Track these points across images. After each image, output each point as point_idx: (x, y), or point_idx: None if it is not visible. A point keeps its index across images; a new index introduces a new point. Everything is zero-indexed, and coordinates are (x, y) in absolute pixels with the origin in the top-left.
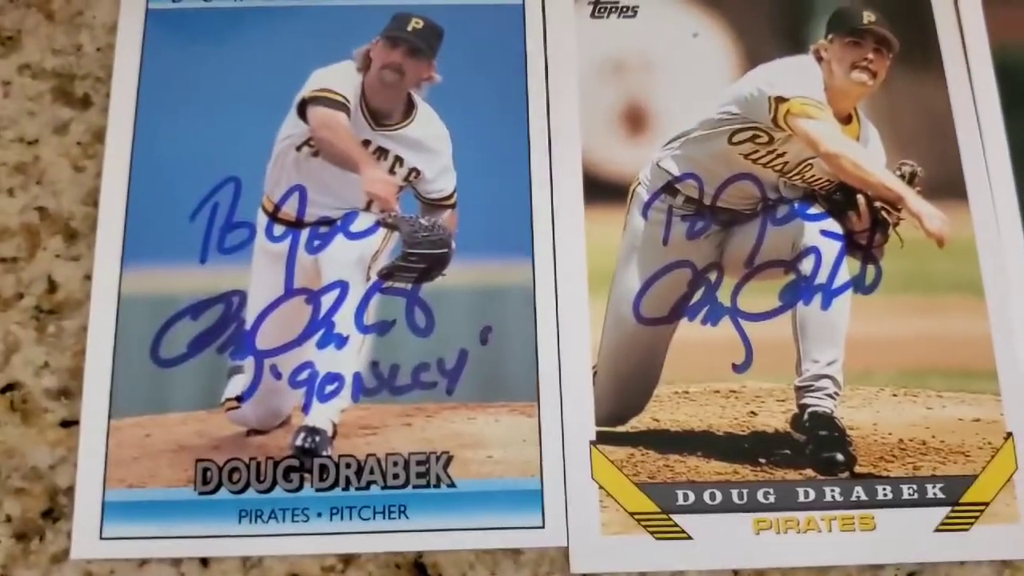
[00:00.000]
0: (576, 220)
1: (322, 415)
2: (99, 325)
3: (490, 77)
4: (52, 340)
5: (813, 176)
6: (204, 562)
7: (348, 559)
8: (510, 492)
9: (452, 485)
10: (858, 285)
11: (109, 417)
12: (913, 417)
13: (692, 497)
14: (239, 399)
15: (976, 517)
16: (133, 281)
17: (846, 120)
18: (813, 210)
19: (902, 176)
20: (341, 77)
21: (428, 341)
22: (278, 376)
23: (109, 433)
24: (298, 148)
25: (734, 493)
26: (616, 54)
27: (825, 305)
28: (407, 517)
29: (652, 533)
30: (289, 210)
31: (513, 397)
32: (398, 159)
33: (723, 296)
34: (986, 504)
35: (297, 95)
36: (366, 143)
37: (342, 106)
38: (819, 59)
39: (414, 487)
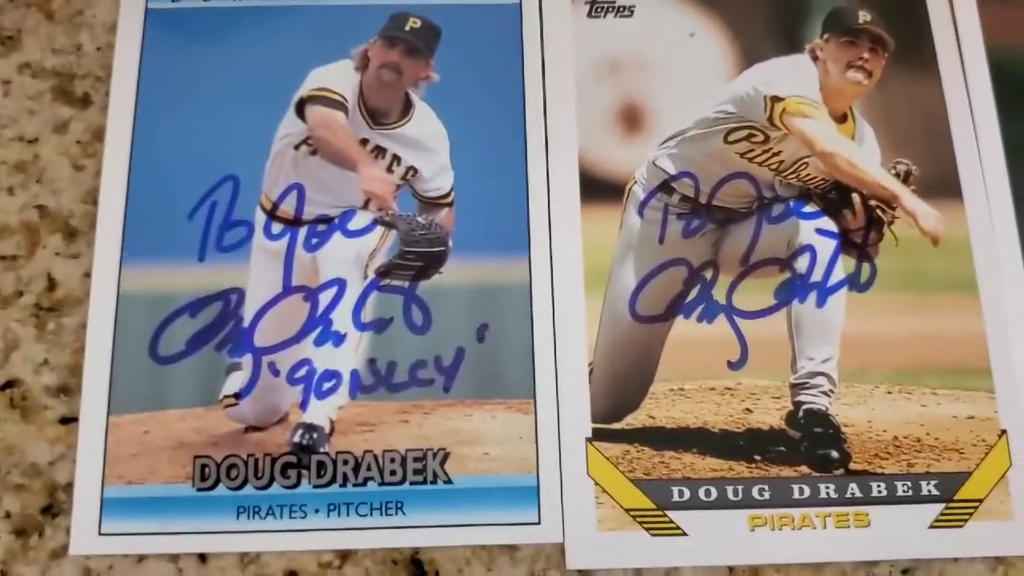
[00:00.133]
0: (572, 218)
1: (320, 412)
2: (98, 322)
3: (487, 76)
4: (52, 337)
5: (808, 175)
6: (202, 558)
7: (345, 555)
8: (506, 488)
9: (449, 482)
10: (853, 283)
11: (108, 414)
12: (908, 414)
13: (687, 494)
14: (237, 396)
15: (970, 514)
16: (132, 279)
17: (841, 119)
18: (808, 209)
19: (897, 175)
20: (339, 76)
21: (425, 339)
22: (276, 373)
23: (108, 430)
24: (296, 147)
25: (729, 490)
26: (613, 53)
27: (820, 303)
28: (404, 513)
29: (647, 529)
30: (287, 208)
31: (509, 394)
32: (396, 158)
33: (718, 294)
34: (980, 501)
35: (295, 94)
36: (364, 142)
37: (340, 105)
38: (815, 58)
39: (411, 484)
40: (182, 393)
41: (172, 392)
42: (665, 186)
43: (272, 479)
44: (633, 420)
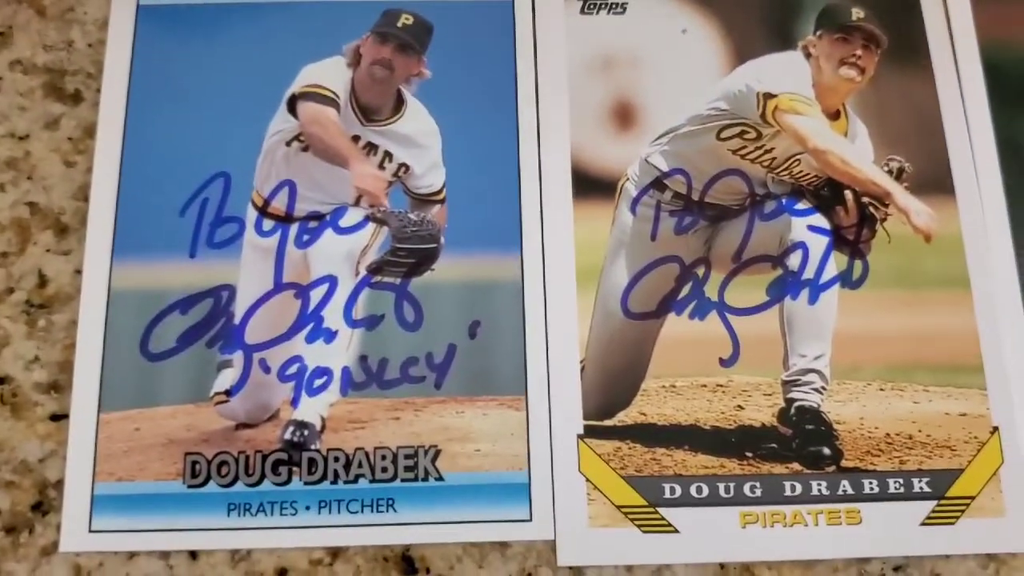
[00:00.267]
0: (565, 215)
1: (311, 409)
2: (89, 319)
3: (480, 73)
4: (42, 334)
5: (801, 172)
6: (193, 555)
7: (336, 552)
8: (498, 485)
9: (440, 479)
10: (845, 280)
11: (99, 411)
12: (900, 411)
13: (679, 490)
14: (228, 393)
15: (962, 511)
16: (123, 275)
17: (834, 116)
18: (801, 206)
19: (890, 172)
20: (331, 73)
21: (417, 335)
22: (267, 370)
23: (99, 427)
24: (288, 143)
25: (721, 487)
26: (605, 50)
27: (812, 300)
28: (395, 510)
29: (639, 526)
30: (279, 205)
31: (501, 391)
32: (387, 154)
33: (710, 291)
34: (972, 498)
35: (287, 91)
36: (356, 138)
37: (332, 102)
38: (807, 55)
39: (402, 481)
40: (173, 390)
41: (163, 389)
42: (657, 183)
43: (263, 476)
44: (625, 417)
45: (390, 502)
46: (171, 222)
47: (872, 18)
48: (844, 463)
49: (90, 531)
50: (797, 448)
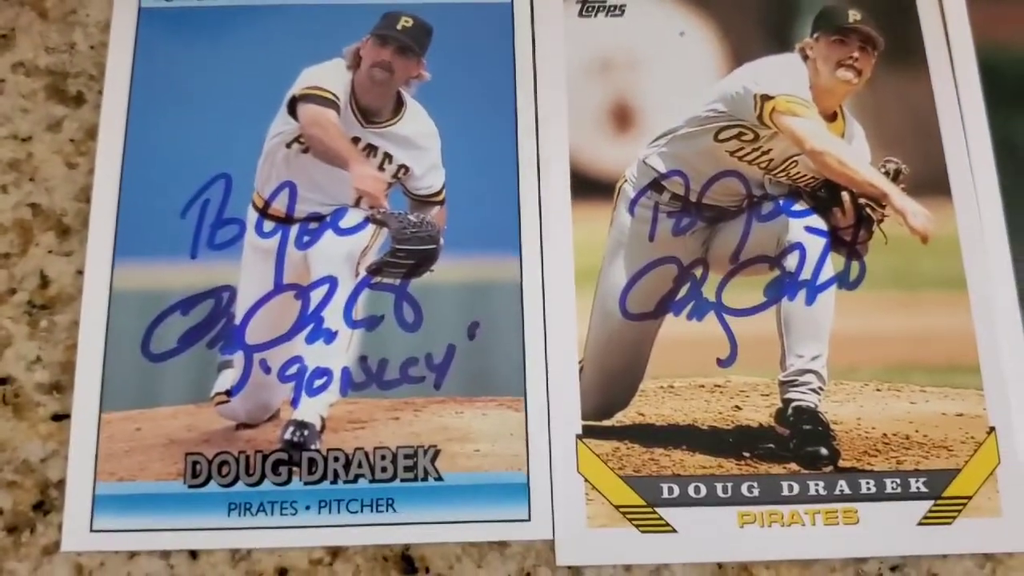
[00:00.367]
0: (563, 216)
1: (311, 409)
2: (91, 320)
3: (479, 75)
4: (44, 335)
5: (798, 173)
6: (193, 554)
7: (336, 552)
8: (497, 485)
9: (439, 479)
10: (842, 281)
11: (100, 411)
12: (897, 412)
13: (677, 490)
14: (229, 393)
15: (959, 511)
16: (124, 276)
17: (831, 118)
18: (798, 207)
19: (887, 173)
20: (331, 75)
21: (416, 336)
22: (267, 371)
23: (100, 427)
24: (288, 145)
25: (718, 487)
26: (603, 52)
27: (809, 301)
28: (395, 510)
29: (637, 526)
30: (279, 206)
31: (500, 392)
32: (387, 156)
33: (708, 292)
34: (969, 498)
35: (287, 93)
36: (355, 140)
37: (332, 104)
38: (805, 57)
39: (402, 481)
40: (174, 390)
41: (164, 389)
42: (655, 184)
43: (263, 476)
44: (623, 417)
45: (390, 502)
46: (172, 223)
47: (869, 20)
48: (841, 463)
49: (91, 531)
50: (794, 448)
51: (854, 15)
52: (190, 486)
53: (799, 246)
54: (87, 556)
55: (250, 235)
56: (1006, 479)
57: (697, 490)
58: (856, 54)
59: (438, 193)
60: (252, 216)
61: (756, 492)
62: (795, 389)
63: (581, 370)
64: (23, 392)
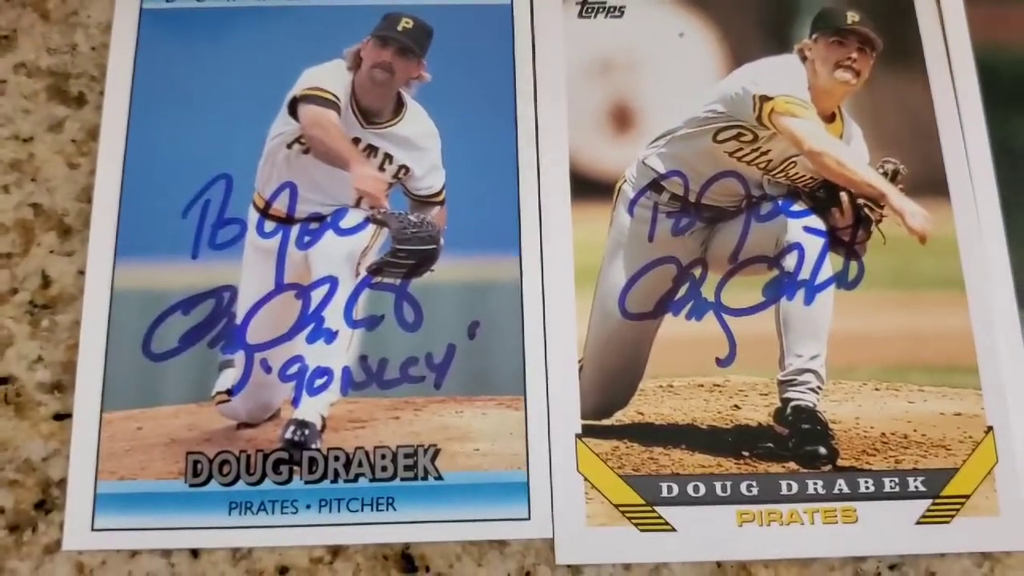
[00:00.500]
0: (563, 217)
1: (311, 408)
2: (92, 320)
3: (479, 76)
4: (46, 334)
5: (797, 174)
6: (194, 553)
7: (336, 550)
8: (497, 484)
9: (439, 478)
10: (841, 281)
11: (101, 410)
12: (895, 411)
13: (676, 489)
14: (230, 392)
15: (957, 510)
16: (126, 276)
17: (830, 119)
18: (796, 207)
19: (885, 174)
20: (332, 76)
21: (416, 336)
22: (268, 370)
23: (101, 426)
24: (289, 146)
25: (717, 486)
26: (603, 54)
27: (808, 301)
28: (395, 509)
29: (636, 525)
30: (280, 206)
31: (500, 391)
32: (388, 156)
33: (707, 292)
34: (967, 497)
35: (288, 93)
36: (356, 141)
37: (333, 104)
38: (803, 58)
39: (402, 480)
40: (175, 390)
41: (165, 388)
42: (655, 185)
43: (264, 475)
44: (622, 416)
45: (390, 501)
46: (173, 223)
47: (867, 21)
48: (840, 462)
49: (93, 529)
50: (793, 447)
51: (852, 16)
52: (191, 485)
53: (798, 246)
54: (88, 555)
55: (251, 235)
56: (1004, 478)
57: (696, 489)
58: (854, 55)
59: (438, 193)
60: (253, 216)
61: (755, 491)
62: (794, 388)
63: (581, 369)
64: (25, 391)
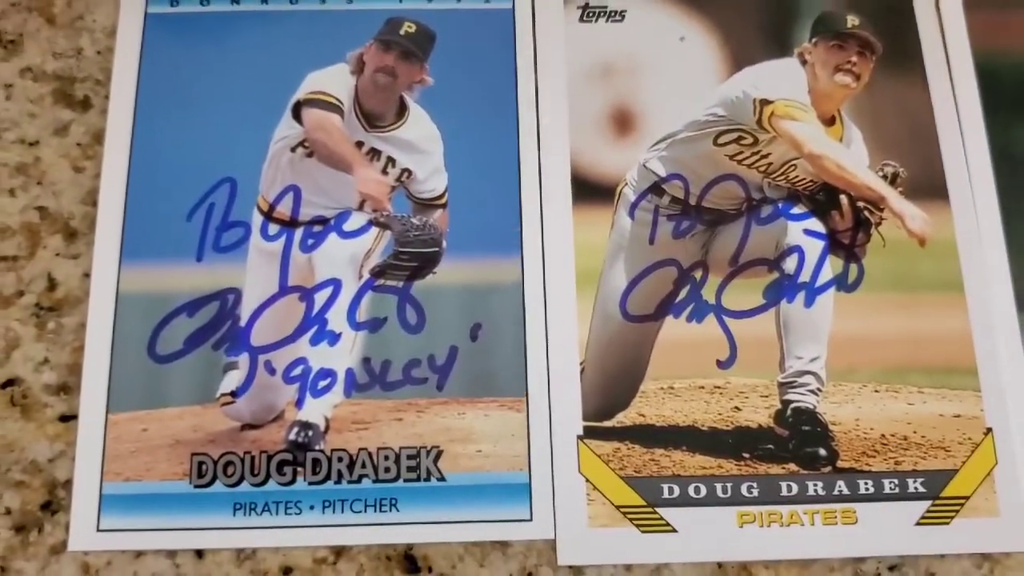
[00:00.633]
0: (564, 220)
1: (315, 410)
2: (97, 322)
3: (481, 80)
4: (51, 337)
5: (797, 177)
6: (199, 554)
7: (340, 551)
8: (499, 486)
9: (442, 479)
10: (841, 283)
11: (107, 412)
12: (895, 413)
13: (677, 491)
14: (234, 394)
15: (956, 511)
16: (131, 279)
17: (830, 122)
18: (797, 210)
19: (884, 177)
20: (335, 80)
21: (419, 338)
22: (272, 372)
23: (107, 427)
24: (292, 149)
25: (718, 487)
26: (604, 57)
27: (808, 303)
28: (398, 510)
29: (638, 526)
30: (284, 209)
31: (502, 393)
32: (390, 160)
33: (708, 294)
34: (966, 498)
35: (292, 97)
36: (359, 144)
37: (336, 108)
38: (803, 62)
39: (405, 481)
40: (180, 391)
41: (170, 390)
42: (655, 188)
43: (268, 476)
44: (624, 418)
45: (393, 502)
46: (178, 226)
47: (867, 25)
48: (840, 464)
49: (98, 530)
50: (793, 449)
51: (852, 20)
52: (196, 486)
53: (798, 249)
54: (94, 555)
55: (255, 238)
56: (1003, 480)
57: (697, 490)
58: (854, 59)
59: (441, 196)
60: (257, 219)
61: (755, 492)
62: (794, 390)
63: (582, 371)
64: (31, 393)
